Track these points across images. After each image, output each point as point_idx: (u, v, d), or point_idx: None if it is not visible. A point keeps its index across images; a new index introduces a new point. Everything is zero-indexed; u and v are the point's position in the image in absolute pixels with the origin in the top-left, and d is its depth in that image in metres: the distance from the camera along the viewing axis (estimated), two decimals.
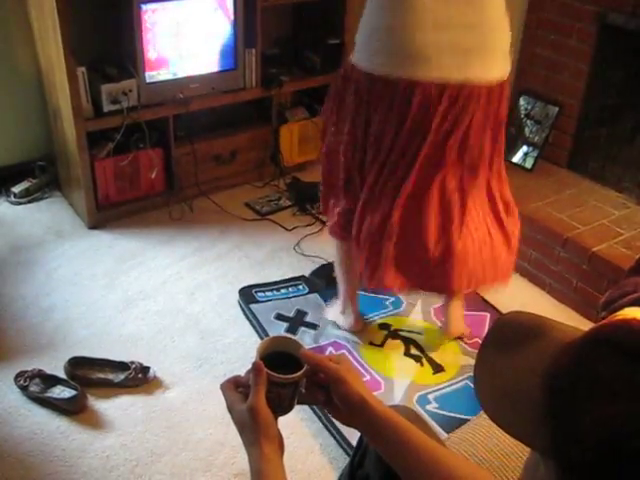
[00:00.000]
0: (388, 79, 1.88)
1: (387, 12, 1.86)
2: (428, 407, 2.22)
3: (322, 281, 2.79)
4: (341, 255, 2.38)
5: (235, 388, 1.05)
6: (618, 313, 0.68)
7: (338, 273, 2.48)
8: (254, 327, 2.55)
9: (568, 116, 3.17)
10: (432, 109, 1.87)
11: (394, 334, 2.55)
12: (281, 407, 1.04)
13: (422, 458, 0.99)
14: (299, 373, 1.02)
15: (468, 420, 1.99)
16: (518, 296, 2.78)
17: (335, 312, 2.58)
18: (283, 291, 2.76)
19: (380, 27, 1.88)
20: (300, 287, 2.79)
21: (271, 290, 2.75)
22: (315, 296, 2.73)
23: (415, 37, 1.81)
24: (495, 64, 1.90)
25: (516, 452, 1.53)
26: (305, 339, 2.48)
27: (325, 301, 2.69)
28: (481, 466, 1.51)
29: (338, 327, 2.55)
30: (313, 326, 2.57)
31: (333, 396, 1.03)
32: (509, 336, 0.78)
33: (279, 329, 2.53)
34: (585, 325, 2.51)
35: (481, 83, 1.88)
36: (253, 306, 2.63)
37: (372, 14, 1.91)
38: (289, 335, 2.40)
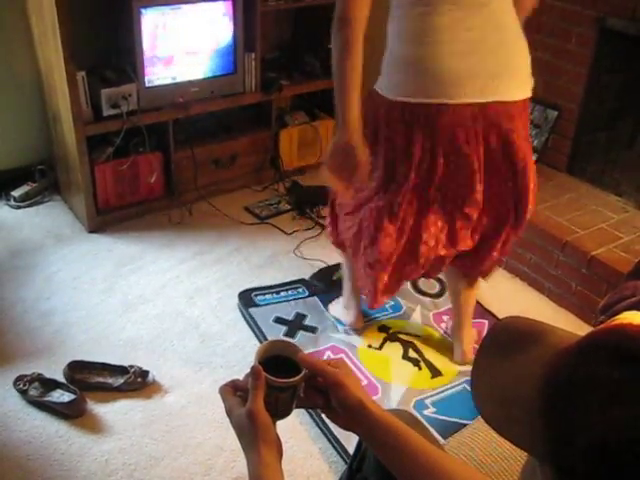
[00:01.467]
0: (423, 104, 1.87)
1: (413, 44, 1.86)
2: (425, 412, 2.22)
3: (322, 284, 2.80)
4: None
5: (234, 392, 1.05)
6: (616, 317, 0.68)
7: (345, 271, 2.50)
8: (253, 331, 2.55)
9: (567, 120, 3.18)
10: (465, 130, 1.89)
11: (393, 337, 2.55)
12: (280, 411, 1.04)
13: (421, 462, 0.99)
14: (298, 377, 1.02)
15: (465, 425, 1.99)
16: (517, 300, 2.79)
17: (339, 308, 2.61)
18: (282, 294, 2.76)
19: (409, 56, 1.88)
20: (300, 290, 2.79)
21: (270, 293, 2.75)
22: (314, 299, 2.74)
23: (444, 65, 1.82)
24: (519, 83, 1.92)
25: (515, 456, 1.53)
26: (304, 342, 2.47)
27: (324, 304, 2.69)
28: (480, 470, 1.51)
29: (337, 330, 2.56)
30: (312, 329, 2.57)
31: (332, 400, 1.03)
32: (506, 341, 0.78)
33: (278, 332, 2.53)
34: (584, 329, 2.51)
35: (507, 102, 1.89)
36: (252, 310, 2.63)
37: (398, 45, 1.91)
38: (288, 339, 2.40)
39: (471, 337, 2.46)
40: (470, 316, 2.43)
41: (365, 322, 2.59)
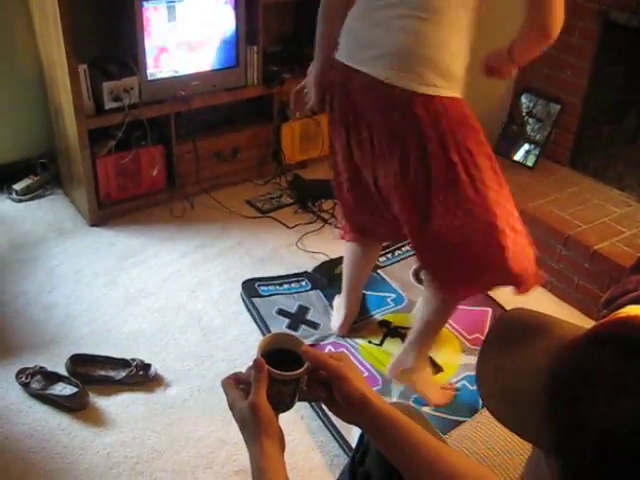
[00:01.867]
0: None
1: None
2: (425, 408, 2.21)
3: (324, 278, 2.80)
4: (350, 256, 2.43)
5: (236, 385, 1.05)
6: (619, 311, 0.69)
7: (344, 267, 2.50)
8: (255, 321, 2.56)
9: (570, 114, 3.17)
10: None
11: (394, 332, 2.55)
12: (282, 404, 1.04)
13: (423, 455, 1.00)
14: (300, 370, 1.02)
15: (463, 422, 1.98)
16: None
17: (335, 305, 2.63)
18: (286, 286, 2.76)
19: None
20: (303, 283, 2.79)
21: (274, 285, 2.75)
22: (317, 292, 2.74)
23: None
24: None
25: (517, 449, 1.53)
26: (305, 336, 2.47)
27: (327, 298, 2.70)
28: (482, 463, 1.51)
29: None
30: (314, 325, 2.57)
31: (334, 393, 1.03)
32: (511, 334, 0.78)
33: (280, 325, 2.53)
34: (587, 323, 2.50)
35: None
36: (255, 300, 2.63)
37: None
38: (290, 332, 2.41)
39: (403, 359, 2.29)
40: (416, 334, 2.24)
41: (364, 318, 2.59)
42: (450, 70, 1.80)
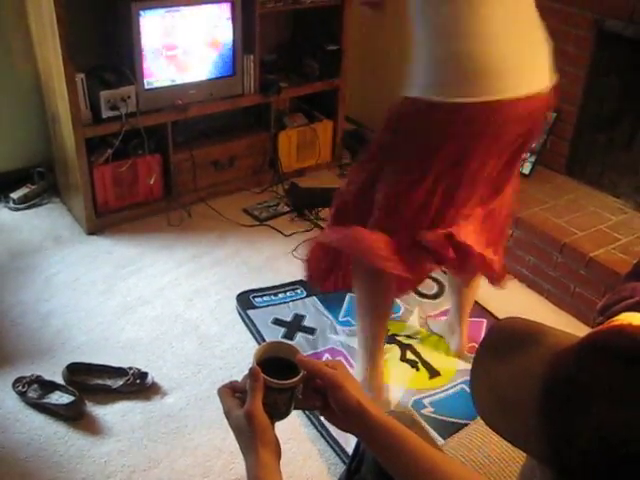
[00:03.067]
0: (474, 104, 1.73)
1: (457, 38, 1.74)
2: (424, 411, 2.22)
3: None
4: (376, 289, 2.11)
5: (232, 393, 1.05)
6: (615, 318, 0.69)
7: (364, 319, 2.17)
8: (251, 333, 2.56)
9: (566, 122, 3.18)
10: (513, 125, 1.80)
11: (391, 339, 2.55)
12: (278, 412, 1.04)
13: (419, 464, 1.00)
14: (296, 379, 1.02)
15: (464, 424, 1.98)
16: (516, 301, 2.79)
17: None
18: (281, 296, 2.76)
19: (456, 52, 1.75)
20: (298, 291, 2.79)
21: (269, 295, 2.75)
22: (313, 299, 2.74)
23: (492, 58, 1.71)
24: (547, 73, 1.84)
25: (513, 457, 1.53)
26: (302, 344, 2.48)
27: (323, 304, 2.70)
28: (478, 472, 1.51)
29: (336, 331, 2.56)
30: (311, 331, 2.57)
31: (330, 402, 1.03)
32: (505, 342, 0.78)
33: (276, 334, 2.53)
34: (583, 330, 2.50)
35: (543, 92, 1.81)
36: (250, 312, 2.63)
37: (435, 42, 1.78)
38: (286, 341, 2.41)
39: (467, 331, 2.47)
40: (467, 313, 2.43)
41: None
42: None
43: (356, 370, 2.23)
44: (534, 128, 1.91)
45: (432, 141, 1.79)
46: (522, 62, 1.75)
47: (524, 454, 0.75)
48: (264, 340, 2.48)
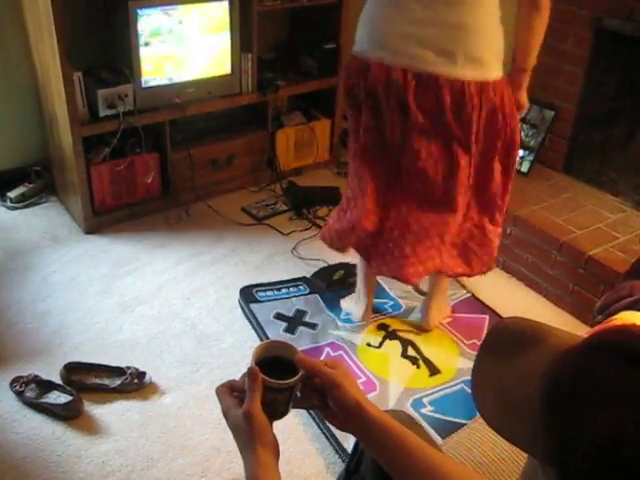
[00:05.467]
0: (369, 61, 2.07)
1: (376, 6, 2.07)
2: (423, 410, 2.22)
3: (323, 283, 2.80)
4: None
5: (230, 393, 1.05)
6: (616, 317, 0.69)
7: (358, 267, 2.55)
8: (253, 326, 2.56)
9: (564, 120, 3.18)
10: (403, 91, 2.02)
11: (392, 335, 2.56)
12: (276, 412, 1.03)
13: (418, 463, 0.99)
14: (295, 378, 1.02)
15: (463, 424, 1.99)
16: (514, 300, 2.79)
17: (349, 302, 2.66)
18: (284, 291, 2.77)
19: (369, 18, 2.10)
20: (301, 288, 2.80)
21: (272, 290, 2.76)
22: (315, 297, 2.74)
23: (389, 28, 2.02)
24: (472, 65, 1.98)
25: (512, 457, 1.53)
26: (304, 339, 2.48)
27: (325, 302, 2.71)
28: (477, 471, 1.51)
29: (337, 327, 2.57)
30: (312, 326, 2.57)
31: (329, 401, 1.03)
32: (507, 342, 0.78)
33: (278, 328, 2.54)
34: (581, 329, 2.51)
35: (450, 79, 1.99)
36: (253, 305, 2.64)
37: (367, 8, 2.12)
38: (284, 340, 2.40)
39: (440, 309, 2.59)
40: (443, 291, 2.58)
41: (372, 318, 2.61)
42: None
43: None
44: (467, 113, 2.03)
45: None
46: (433, 40, 1.97)
47: (523, 454, 0.75)
48: (265, 334, 2.49)
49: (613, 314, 0.70)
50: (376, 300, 2.71)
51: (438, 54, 1.96)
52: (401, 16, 1.98)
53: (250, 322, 2.59)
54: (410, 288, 2.81)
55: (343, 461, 1.99)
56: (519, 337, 0.77)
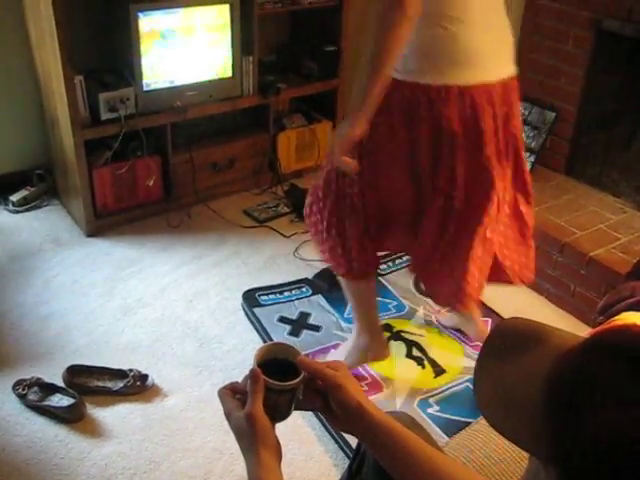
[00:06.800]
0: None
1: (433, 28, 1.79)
2: (430, 410, 2.22)
3: (325, 284, 2.80)
4: (362, 290, 2.25)
5: (233, 395, 1.05)
6: (617, 318, 0.69)
7: (352, 296, 2.29)
8: (257, 330, 2.57)
9: (565, 122, 3.18)
10: (482, 111, 1.83)
11: (397, 336, 2.56)
12: (279, 414, 1.03)
13: (420, 465, 0.99)
14: (297, 380, 1.02)
15: (469, 423, 1.99)
16: (516, 301, 2.78)
17: (355, 354, 2.32)
18: (286, 294, 2.77)
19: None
20: (304, 289, 2.80)
21: (274, 293, 2.76)
22: (318, 297, 2.75)
23: (466, 45, 1.78)
24: (510, 61, 1.91)
25: (514, 458, 1.53)
26: (308, 341, 2.48)
27: (329, 302, 2.71)
28: (479, 472, 1.51)
29: (341, 328, 2.56)
30: (316, 328, 2.58)
31: (331, 403, 1.03)
32: (509, 343, 0.78)
33: (282, 332, 2.54)
34: (583, 330, 2.51)
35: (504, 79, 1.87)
36: (256, 310, 2.64)
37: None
38: (286, 342, 2.40)
39: (479, 314, 2.48)
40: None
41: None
42: None
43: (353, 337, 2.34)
44: (510, 113, 1.91)
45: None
46: (497, 48, 1.85)
47: (526, 455, 0.75)
48: (270, 338, 2.49)
49: (615, 315, 0.70)
50: (379, 299, 2.70)
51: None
52: (473, 30, 1.78)
53: (254, 326, 2.59)
54: (412, 288, 2.82)
55: (345, 463, 1.98)
56: (521, 338, 0.77)
